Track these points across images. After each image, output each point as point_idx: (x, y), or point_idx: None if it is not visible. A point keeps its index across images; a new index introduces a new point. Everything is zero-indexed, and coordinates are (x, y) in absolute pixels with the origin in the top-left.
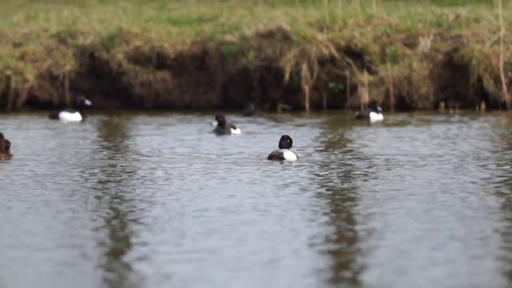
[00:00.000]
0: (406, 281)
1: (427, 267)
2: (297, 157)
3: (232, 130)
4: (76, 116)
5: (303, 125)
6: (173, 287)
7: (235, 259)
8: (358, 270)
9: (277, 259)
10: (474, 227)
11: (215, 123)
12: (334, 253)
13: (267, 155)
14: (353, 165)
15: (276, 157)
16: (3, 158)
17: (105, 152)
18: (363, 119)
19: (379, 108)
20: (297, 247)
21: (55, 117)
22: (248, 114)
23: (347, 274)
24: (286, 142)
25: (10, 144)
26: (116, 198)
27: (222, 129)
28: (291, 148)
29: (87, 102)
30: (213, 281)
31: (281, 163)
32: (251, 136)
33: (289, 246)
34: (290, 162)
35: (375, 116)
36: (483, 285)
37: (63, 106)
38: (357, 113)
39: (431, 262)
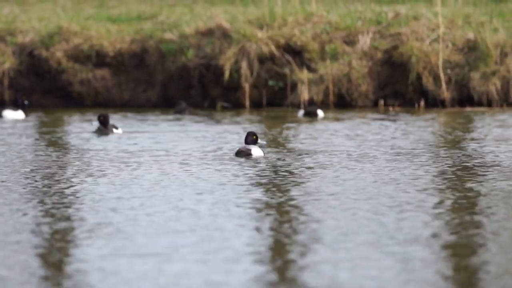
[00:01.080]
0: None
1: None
2: (264, 154)
3: (114, 130)
4: (19, 114)
5: (238, 123)
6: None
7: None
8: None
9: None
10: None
11: (95, 123)
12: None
13: (234, 151)
14: (303, 161)
15: (243, 153)
16: None
17: (47, 149)
18: (310, 116)
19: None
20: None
21: None
22: (179, 112)
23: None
24: (252, 138)
25: None
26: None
27: (104, 129)
28: (257, 145)
29: (26, 102)
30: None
31: (248, 159)
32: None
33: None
34: (257, 159)
35: (321, 113)
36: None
37: (4, 105)
38: (302, 111)
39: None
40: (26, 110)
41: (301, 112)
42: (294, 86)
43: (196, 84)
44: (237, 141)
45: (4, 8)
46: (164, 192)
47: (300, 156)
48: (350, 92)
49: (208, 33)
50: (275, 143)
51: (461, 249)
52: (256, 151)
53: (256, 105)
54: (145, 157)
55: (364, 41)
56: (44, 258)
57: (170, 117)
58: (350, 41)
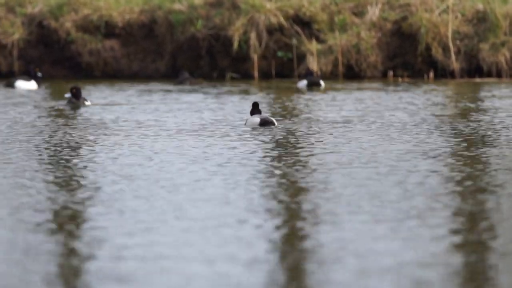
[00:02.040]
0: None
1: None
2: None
3: (86, 103)
4: (32, 85)
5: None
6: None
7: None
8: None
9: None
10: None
11: (68, 95)
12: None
13: (258, 121)
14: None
15: (269, 122)
16: None
17: (58, 120)
18: (313, 86)
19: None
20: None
21: (10, 85)
22: (180, 82)
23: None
24: (259, 109)
25: None
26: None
27: (76, 101)
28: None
29: (39, 74)
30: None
31: (272, 128)
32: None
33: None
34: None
35: (323, 84)
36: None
37: (14, 75)
38: (305, 81)
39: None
40: (39, 81)
41: (303, 83)
42: (302, 57)
43: (205, 55)
44: (235, 112)
45: None
46: (170, 160)
47: (311, 126)
48: (359, 63)
49: (217, 3)
50: (287, 113)
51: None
52: (274, 120)
53: (265, 76)
54: (130, 129)
55: (373, 12)
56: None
57: (170, 87)
58: (359, 12)
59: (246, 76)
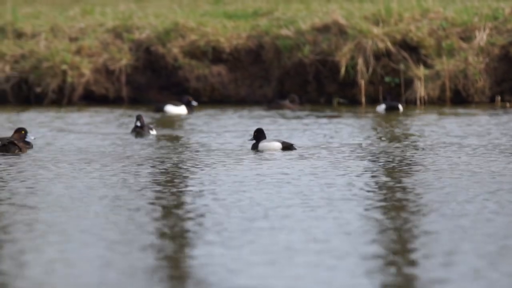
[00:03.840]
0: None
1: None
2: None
3: (151, 132)
4: (182, 109)
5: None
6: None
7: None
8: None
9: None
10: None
11: (138, 124)
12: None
13: (279, 145)
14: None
15: (291, 146)
16: (22, 151)
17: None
18: (392, 110)
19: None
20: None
21: (160, 110)
22: (271, 107)
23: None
24: (264, 135)
25: (25, 131)
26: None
27: (141, 130)
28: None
29: (194, 103)
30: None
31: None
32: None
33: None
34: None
35: (401, 108)
36: None
37: (123, 101)
38: (384, 105)
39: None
40: (191, 107)
41: (382, 107)
42: (410, 82)
43: (312, 80)
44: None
45: (121, 5)
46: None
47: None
48: (467, 88)
49: (324, 29)
50: (392, 138)
51: None
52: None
53: (372, 101)
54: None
55: (481, 37)
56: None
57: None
58: (467, 37)
59: (353, 102)
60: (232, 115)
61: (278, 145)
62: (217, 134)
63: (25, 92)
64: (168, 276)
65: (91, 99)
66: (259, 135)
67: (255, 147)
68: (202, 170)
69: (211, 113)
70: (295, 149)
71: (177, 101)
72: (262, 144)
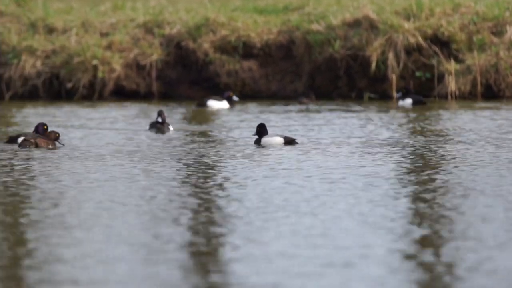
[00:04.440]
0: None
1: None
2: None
3: (170, 128)
4: (224, 104)
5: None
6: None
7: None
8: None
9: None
10: None
11: (159, 119)
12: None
13: (282, 140)
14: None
15: (293, 140)
16: (50, 146)
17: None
18: (418, 104)
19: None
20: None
21: (203, 105)
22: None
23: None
24: (266, 130)
25: (59, 135)
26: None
27: (161, 126)
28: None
29: (235, 98)
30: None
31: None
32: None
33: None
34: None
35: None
36: None
37: (153, 96)
38: (411, 100)
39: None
40: (232, 102)
41: (408, 101)
42: (441, 77)
43: (343, 75)
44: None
45: (152, 0)
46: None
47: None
48: (498, 82)
49: (355, 24)
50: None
51: None
52: (271, 140)
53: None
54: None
55: None
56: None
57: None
58: (498, 32)
59: (384, 96)
60: (276, 110)
61: (280, 140)
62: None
63: (56, 88)
64: (202, 271)
65: (122, 94)
66: (261, 130)
67: (257, 142)
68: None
69: (254, 110)
70: (297, 143)
71: (218, 96)
72: (265, 139)
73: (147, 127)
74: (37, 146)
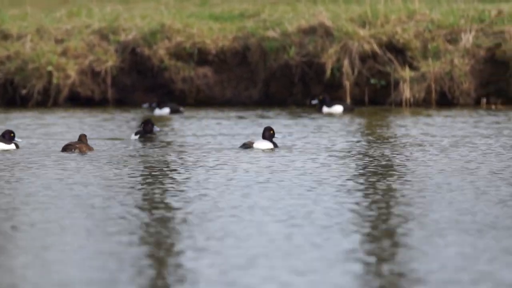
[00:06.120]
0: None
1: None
2: (277, 147)
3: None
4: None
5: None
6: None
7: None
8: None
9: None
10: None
11: (156, 129)
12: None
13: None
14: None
15: (246, 145)
16: (88, 151)
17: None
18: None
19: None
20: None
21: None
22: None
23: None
24: (269, 133)
25: (14, 134)
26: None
27: (149, 135)
28: (274, 139)
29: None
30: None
31: (251, 151)
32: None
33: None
34: (263, 150)
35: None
36: None
37: (108, 103)
38: (341, 107)
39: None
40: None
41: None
42: (396, 84)
43: (297, 82)
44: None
45: (107, 7)
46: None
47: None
48: (452, 90)
49: (310, 31)
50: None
51: None
52: (259, 144)
53: (358, 103)
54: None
55: (467, 39)
56: None
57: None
58: (453, 39)
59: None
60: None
61: (269, 144)
62: (207, 135)
63: (11, 94)
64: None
65: (77, 100)
66: (265, 133)
67: (246, 146)
68: (193, 170)
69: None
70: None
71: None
72: (255, 144)
73: (134, 135)
74: (80, 150)
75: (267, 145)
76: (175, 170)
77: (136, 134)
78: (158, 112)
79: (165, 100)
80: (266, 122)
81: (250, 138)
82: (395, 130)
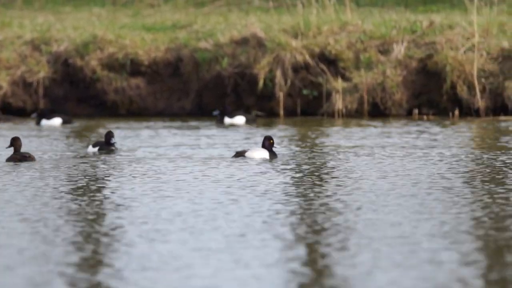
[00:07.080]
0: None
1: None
2: (275, 157)
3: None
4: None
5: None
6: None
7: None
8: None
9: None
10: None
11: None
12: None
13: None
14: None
15: (239, 154)
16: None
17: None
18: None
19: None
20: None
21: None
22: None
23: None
24: (268, 143)
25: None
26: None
27: (106, 147)
28: (274, 148)
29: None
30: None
31: (244, 160)
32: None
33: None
34: (255, 160)
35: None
36: None
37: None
38: (243, 118)
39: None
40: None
41: (226, 119)
42: (328, 95)
43: (230, 93)
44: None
45: (39, 17)
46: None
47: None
48: (384, 101)
49: (243, 42)
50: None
51: None
52: (252, 154)
53: (291, 114)
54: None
55: (399, 50)
56: None
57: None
58: (385, 50)
59: (271, 114)
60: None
61: (265, 153)
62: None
63: None
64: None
65: (8, 111)
66: (265, 142)
67: (238, 155)
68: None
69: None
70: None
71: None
72: (248, 153)
73: (92, 147)
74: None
75: (262, 154)
76: (110, 181)
77: (94, 146)
78: (45, 122)
79: (54, 110)
80: (191, 133)
81: (246, 147)
82: (323, 139)
